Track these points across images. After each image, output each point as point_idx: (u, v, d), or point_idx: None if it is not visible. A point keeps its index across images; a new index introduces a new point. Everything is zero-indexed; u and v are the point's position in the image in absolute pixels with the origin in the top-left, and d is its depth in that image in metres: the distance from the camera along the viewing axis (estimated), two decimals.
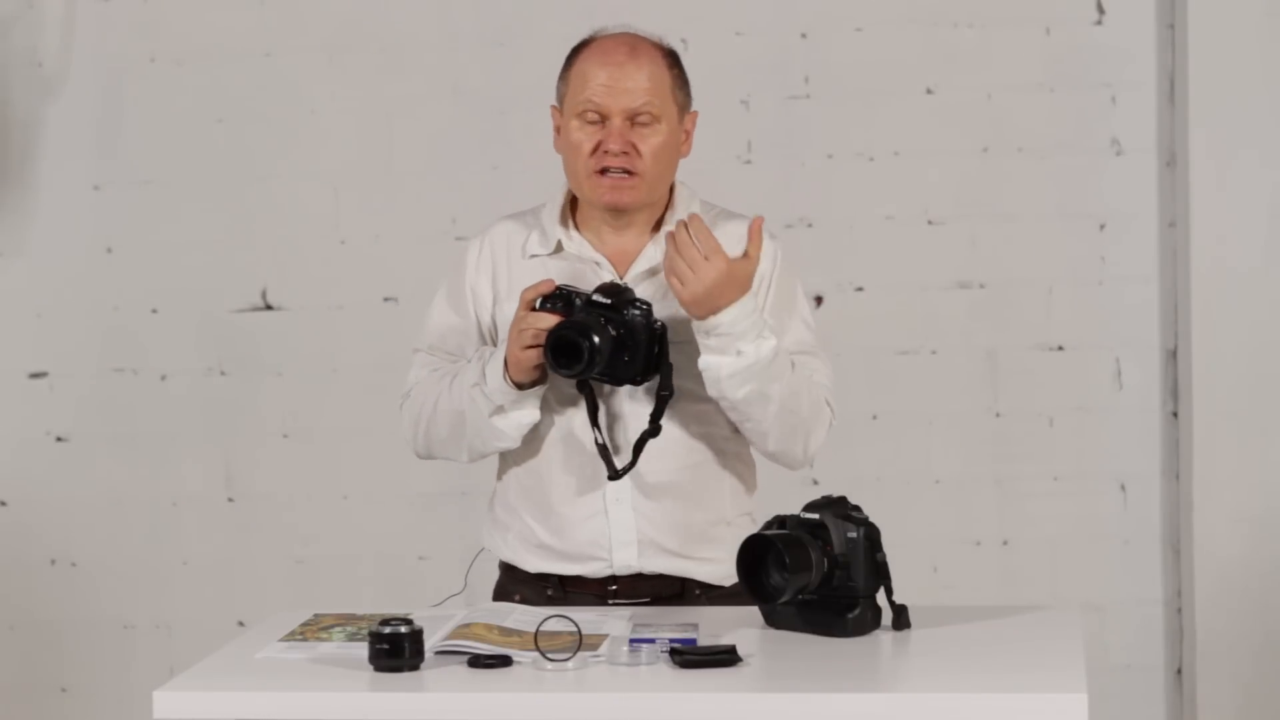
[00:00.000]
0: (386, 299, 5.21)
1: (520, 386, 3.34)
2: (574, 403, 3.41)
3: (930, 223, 5.14)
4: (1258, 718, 5.00)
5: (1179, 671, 5.14)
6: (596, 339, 3.26)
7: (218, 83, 5.25)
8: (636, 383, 3.35)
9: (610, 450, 3.37)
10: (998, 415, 5.15)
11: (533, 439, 3.43)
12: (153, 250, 5.30)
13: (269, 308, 5.29)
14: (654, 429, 3.36)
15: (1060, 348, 5.13)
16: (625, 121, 3.36)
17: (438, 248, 5.07)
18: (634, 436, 3.38)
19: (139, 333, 5.32)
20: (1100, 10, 5.06)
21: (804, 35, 5.12)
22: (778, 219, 5.12)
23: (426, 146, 5.23)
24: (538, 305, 3.32)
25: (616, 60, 3.38)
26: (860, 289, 5.16)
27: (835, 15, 5.10)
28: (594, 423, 3.37)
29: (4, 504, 5.39)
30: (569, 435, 3.43)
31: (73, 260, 5.32)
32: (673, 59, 3.45)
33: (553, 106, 3.47)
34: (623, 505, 3.41)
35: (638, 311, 3.31)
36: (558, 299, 3.31)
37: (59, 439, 5.36)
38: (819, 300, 5.15)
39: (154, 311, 5.32)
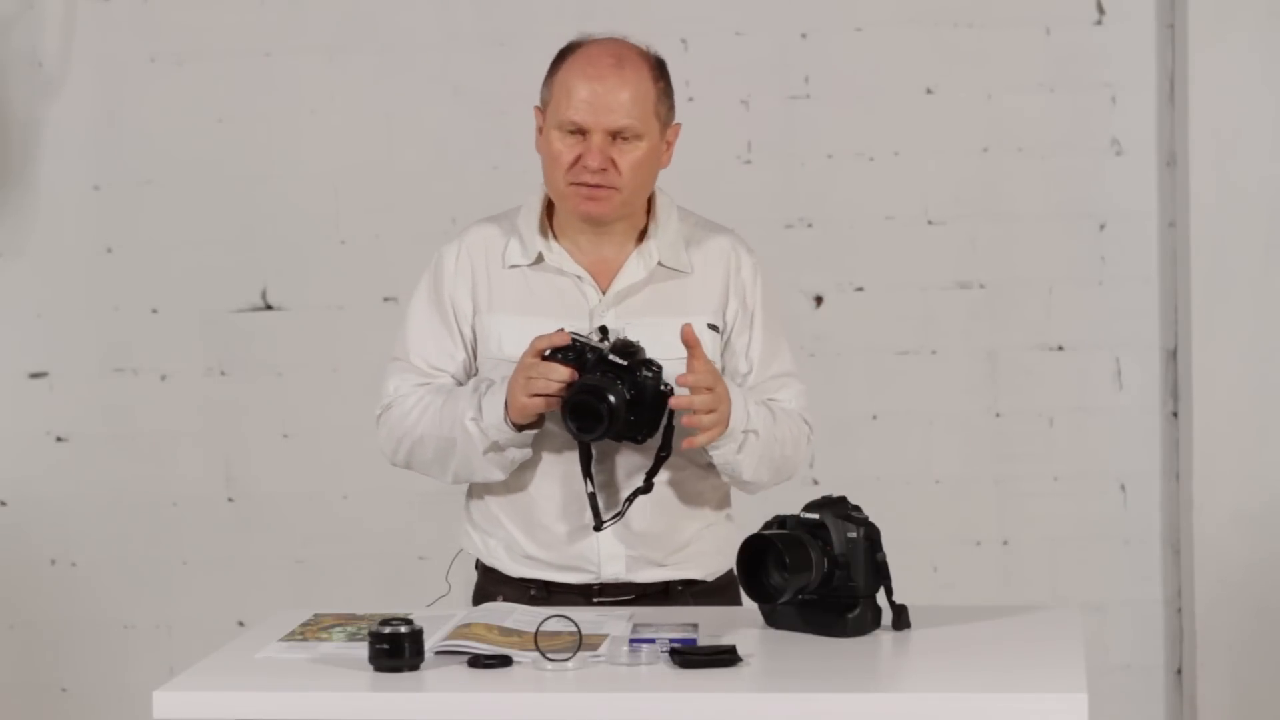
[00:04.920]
0: (386, 299, 5.21)
1: (519, 428, 3.33)
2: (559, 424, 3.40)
3: (930, 223, 5.14)
4: (1258, 718, 5.00)
5: (1179, 671, 5.14)
6: (613, 399, 3.25)
7: (218, 83, 5.26)
8: (638, 441, 3.33)
9: (599, 499, 3.36)
10: (998, 415, 5.15)
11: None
12: (153, 250, 5.30)
13: (269, 308, 5.29)
14: (647, 487, 3.35)
15: (1060, 348, 5.13)
16: (606, 137, 3.33)
17: (438, 248, 5.07)
18: (622, 481, 3.38)
19: (139, 333, 5.32)
20: (1100, 10, 5.07)
21: (804, 35, 5.12)
22: (778, 219, 5.13)
23: (426, 146, 5.23)
24: (548, 354, 3.30)
25: (600, 74, 3.33)
26: (860, 289, 5.16)
27: (835, 15, 5.10)
28: (586, 473, 3.36)
29: (4, 504, 5.40)
30: (555, 457, 3.42)
31: (73, 260, 5.32)
32: (659, 71, 3.40)
33: (536, 107, 3.44)
34: (580, 485, 3.40)
35: (649, 374, 3.28)
36: (569, 350, 3.29)
37: (59, 439, 5.37)
38: (819, 300, 5.15)
39: (154, 311, 5.33)
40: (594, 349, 3.28)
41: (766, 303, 3.48)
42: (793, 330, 5.04)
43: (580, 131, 3.33)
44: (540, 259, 3.43)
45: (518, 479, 3.44)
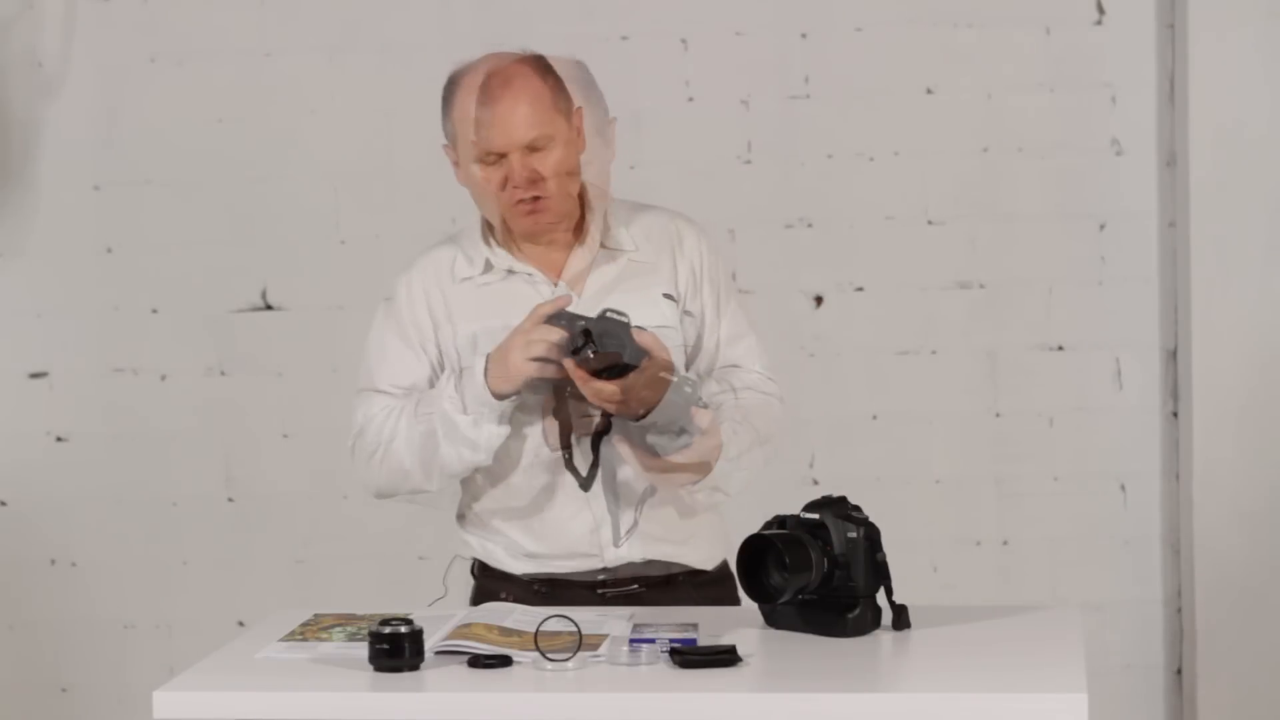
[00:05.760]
0: (387, 299, 5.19)
1: (499, 398, 3.35)
2: (537, 413, 3.43)
3: (930, 223, 5.14)
4: (1258, 718, 5.00)
5: (1179, 671, 5.14)
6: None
7: (218, 83, 5.26)
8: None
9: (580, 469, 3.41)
10: (998, 415, 5.15)
11: (503, 456, 3.44)
12: (153, 250, 5.30)
13: (269, 308, 5.29)
14: (606, 424, 3.39)
15: (1060, 348, 5.13)
16: (522, 153, 3.40)
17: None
18: (624, 493, 3.42)
19: (139, 333, 5.32)
20: (1100, 10, 5.07)
21: (804, 35, 5.12)
22: (778, 219, 5.13)
23: (426, 146, 5.20)
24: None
25: (495, 97, 3.40)
26: (860, 289, 5.16)
27: (835, 15, 5.10)
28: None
29: (4, 504, 5.40)
30: (539, 448, 3.44)
31: (73, 260, 5.32)
32: (543, 68, 3.46)
33: (444, 146, 3.49)
34: (599, 500, 3.43)
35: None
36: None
37: (59, 439, 5.36)
38: (819, 300, 5.15)
39: (154, 311, 5.33)
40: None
41: (712, 269, 3.56)
42: (793, 330, 5.08)
43: (498, 156, 3.40)
44: (489, 266, 3.48)
45: (506, 478, 3.45)
